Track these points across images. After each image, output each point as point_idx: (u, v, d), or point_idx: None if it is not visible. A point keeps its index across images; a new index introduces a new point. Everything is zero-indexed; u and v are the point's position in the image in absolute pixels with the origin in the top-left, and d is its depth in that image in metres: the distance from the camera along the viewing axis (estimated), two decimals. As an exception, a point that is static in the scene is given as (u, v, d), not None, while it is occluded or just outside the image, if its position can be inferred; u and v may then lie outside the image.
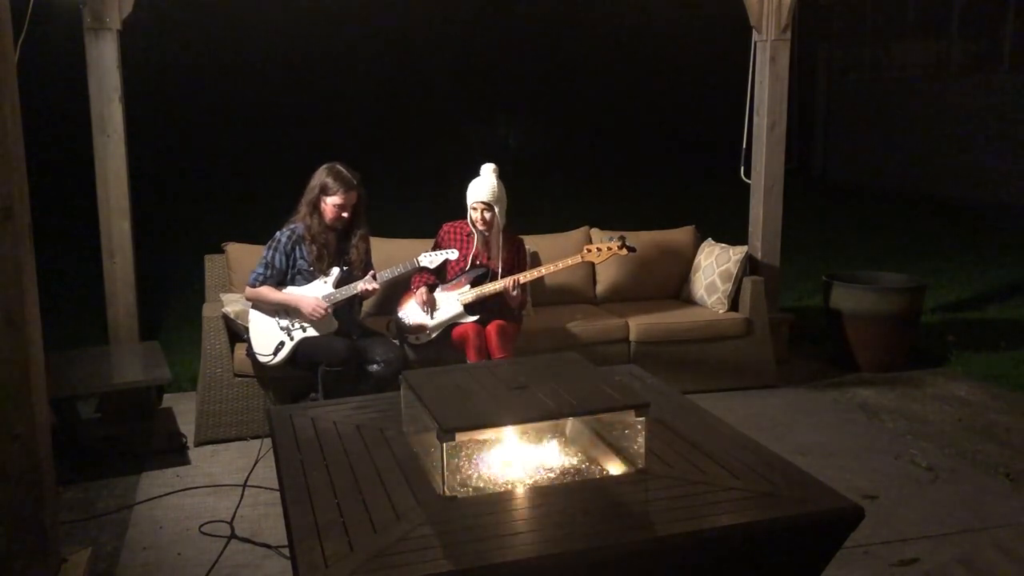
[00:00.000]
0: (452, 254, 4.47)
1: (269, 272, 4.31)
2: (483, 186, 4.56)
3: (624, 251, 4.71)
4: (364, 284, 4.29)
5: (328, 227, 4.30)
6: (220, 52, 16.29)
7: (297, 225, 4.33)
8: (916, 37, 14.40)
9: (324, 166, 4.32)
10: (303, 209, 4.30)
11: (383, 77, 17.64)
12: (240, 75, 16.70)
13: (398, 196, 12.25)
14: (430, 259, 4.45)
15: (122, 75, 4.70)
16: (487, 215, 4.55)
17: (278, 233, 4.34)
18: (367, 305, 4.98)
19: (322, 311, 4.23)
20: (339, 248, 4.36)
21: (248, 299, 4.39)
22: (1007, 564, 3.32)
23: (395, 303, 4.75)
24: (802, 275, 7.72)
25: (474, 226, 4.61)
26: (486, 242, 4.65)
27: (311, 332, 4.29)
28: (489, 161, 4.65)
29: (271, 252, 4.32)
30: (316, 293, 4.29)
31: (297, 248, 4.32)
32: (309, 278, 4.33)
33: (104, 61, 4.64)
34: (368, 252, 4.44)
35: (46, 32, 4.70)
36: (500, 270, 4.64)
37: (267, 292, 4.31)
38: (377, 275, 4.32)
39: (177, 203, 12.42)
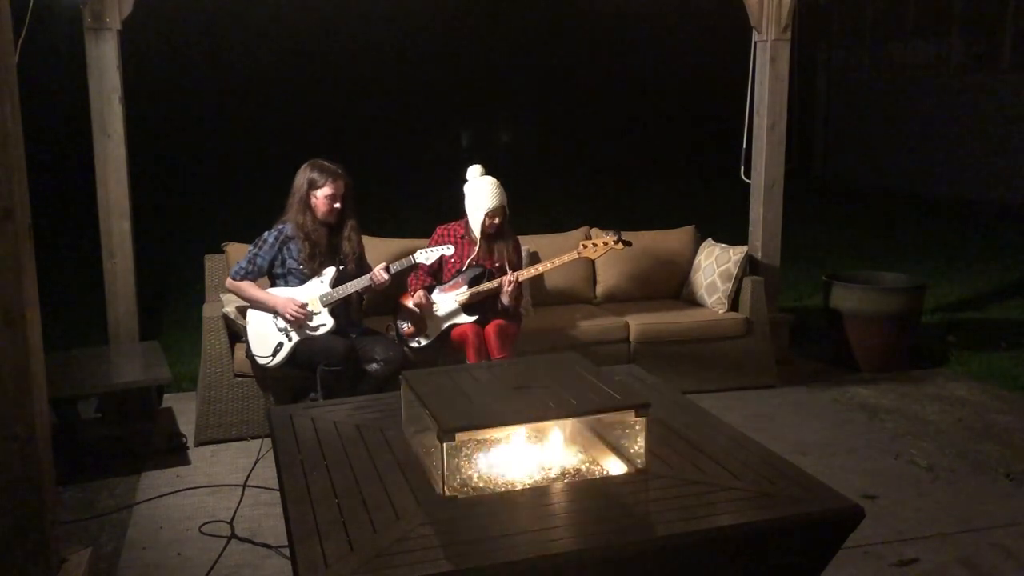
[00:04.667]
0: (448, 250, 4.45)
1: (251, 268, 4.34)
2: (489, 191, 4.53)
3: (620, 246, 4.70)
4: (374, 275, 4.28)
5: (321, 222, 4.30)
6: (220, 52, 16.30)
7: (286, 225, 4.34)
8: (916, 37, 14.40)
9: (305, 164, 4.36)
10: (294, 208, 4.31)
11: (382, 77, 17.64)
12: (240, 75, 16.70)
13: (396, 196, 12.26)
14: (426, 255, 4.44)
15: (122, 75, 4.70)
16: (498, 218, 4.55)
17: (266, 233, 4.36)
18: (369, 306, 4.98)
19: (294, 309, 4.23)
20: (331, 245, 4.36)
21: (227, 288, 4.44)
22: (1007, 564, 3.32)
23: (394, 305, 4.74)
24: (802, 275, 7.72)
25: (483, 233, 4.59)
26: (489, 243, 4.63)
27: (310, 332, 4.29)
28: (488, 161, 4.64)
29: (255, 251, 4.35)
30: (313, 293, 4.29)
31: (285, 248, 4.33)
32: (303, 279, 4.33)
33: (104, 61, 4.64)
34: (360, 243, 4.45)
35: (46, 32, 4.69)
36: (498, 268, 4.62)
37: (247, 287, 4.33)
38: (390, 266, 4.32)
39: (177, 203, 12.42)
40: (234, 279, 4.35)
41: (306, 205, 4.29)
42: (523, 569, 2.17)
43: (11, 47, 2.66)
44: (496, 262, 4.63)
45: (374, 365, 4.26)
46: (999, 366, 5.64)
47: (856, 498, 3.01)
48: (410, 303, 4.58)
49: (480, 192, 4.54)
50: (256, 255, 4.33)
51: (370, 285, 4.31)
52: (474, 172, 4.60)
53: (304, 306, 4.25)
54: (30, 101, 3.12)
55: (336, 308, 4.32)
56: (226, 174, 14.82)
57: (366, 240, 4.63)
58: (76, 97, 5.17)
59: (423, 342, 4.58)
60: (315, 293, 4.29)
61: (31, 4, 3.71)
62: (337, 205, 4.29)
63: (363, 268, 4.43)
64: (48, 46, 7.35)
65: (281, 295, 4.30)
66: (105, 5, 4.58)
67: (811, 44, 15.26)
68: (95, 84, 4.66)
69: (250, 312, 4.38)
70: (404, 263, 4.41)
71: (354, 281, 4.31)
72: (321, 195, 4.26)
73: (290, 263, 4.33)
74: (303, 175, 4.31)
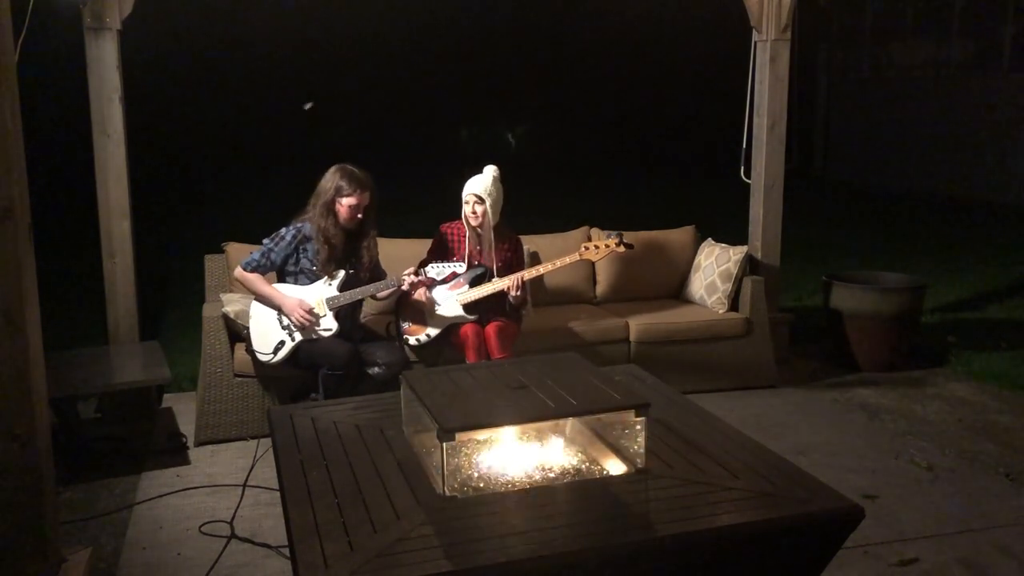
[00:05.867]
0: (460, 267, 4.46)
1: (264, 262, 4.32)
2: (478, 180, 4.58)
3: (621, 248, 4.71)
4: (404, 278, 4.29)
5: (342, 228, 4.30)
6: (220, 52, 16.30)
7: (304, 224, 4.32)
8: (916, 37, 14.41)
9: (335, 168, 4.32)
10: (316, 210, 4.28)
11: (384, 77, 17.64)
12: (240, 75, 16.70)
13: (397, 197, 12.24)
14: (437, 271, 4.42)
15: (122, 75, 4.70)
16: (478, 208, 4.56)
17: (284, 229, 4.34)
18: (370, 307, 4.98)
19: (302, 314, 4.21)
20: (347, 250, 4.36)
21: (236, 279, 4.41)
22: (1007, 564, 3.32)
23: (394, 305, 4.74)
24: (802, 275, 7.72)
25: (467, 221, 4.61)
26: (479, 238, 4.65)
27: (313, 335, 4.29)
28: (491, 162, 4.66)
29: (271, 245, 4.33)
30: (319, 295, 4.28)
31: (302, 248, 4.32)
32: (313, 278, 4.32)
33: (104, 61, 4.64)
34: (376, 254, 4.46)
35: (46, 32, 4.69)
36: (495, 268, 4.63)
37: (256, 280, 4.32)
38: (421, 271, 4.34)
39: (177, 203, 12.42)
40: (244, 270, 4.32)
41: (329, 209, 4.27)
42: (523, 569, 2.17)
43: (11, 47, 2.66)
44: (499, 262, 4.64)
45: (376, 369, 4.26)
46: (999, 366, 5.64)
47: (856, 498, 3.01)
48: (410, 302, 4.59)
49: (472, 179, 4.60)
50: (271, 250, 4.32)
51: (396, 288, 4.31)
52: (488, 169, 4.63)
53: (312, 311, 4.25)
54: (30, 101, 3.12)
55: (341, 311, 4.32)
56: (226, 174, 14.82)
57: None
58: (76, 97, 5.16)
59: (423, 340, 4.59)
60: (322, 295, 4.29)
61: (31, 4, 3.71)
62: (359, 215, 4.29)
63: (376, 276, 4.44)
64: (48, 46, 7.34)
65: (290, 294, 4.29)
66: (105, 5, 4.58)
67: (811, 44, 15.27)
68: (95, 84, 4.66)
69: (254, 305, 4.36)
70: (421, 275, 4.40)
71: (361, 288, 4.31)
72: (346, 203, 4.25)
73: (304, 262, 4.33)
74: (331, 179, 4.28)
